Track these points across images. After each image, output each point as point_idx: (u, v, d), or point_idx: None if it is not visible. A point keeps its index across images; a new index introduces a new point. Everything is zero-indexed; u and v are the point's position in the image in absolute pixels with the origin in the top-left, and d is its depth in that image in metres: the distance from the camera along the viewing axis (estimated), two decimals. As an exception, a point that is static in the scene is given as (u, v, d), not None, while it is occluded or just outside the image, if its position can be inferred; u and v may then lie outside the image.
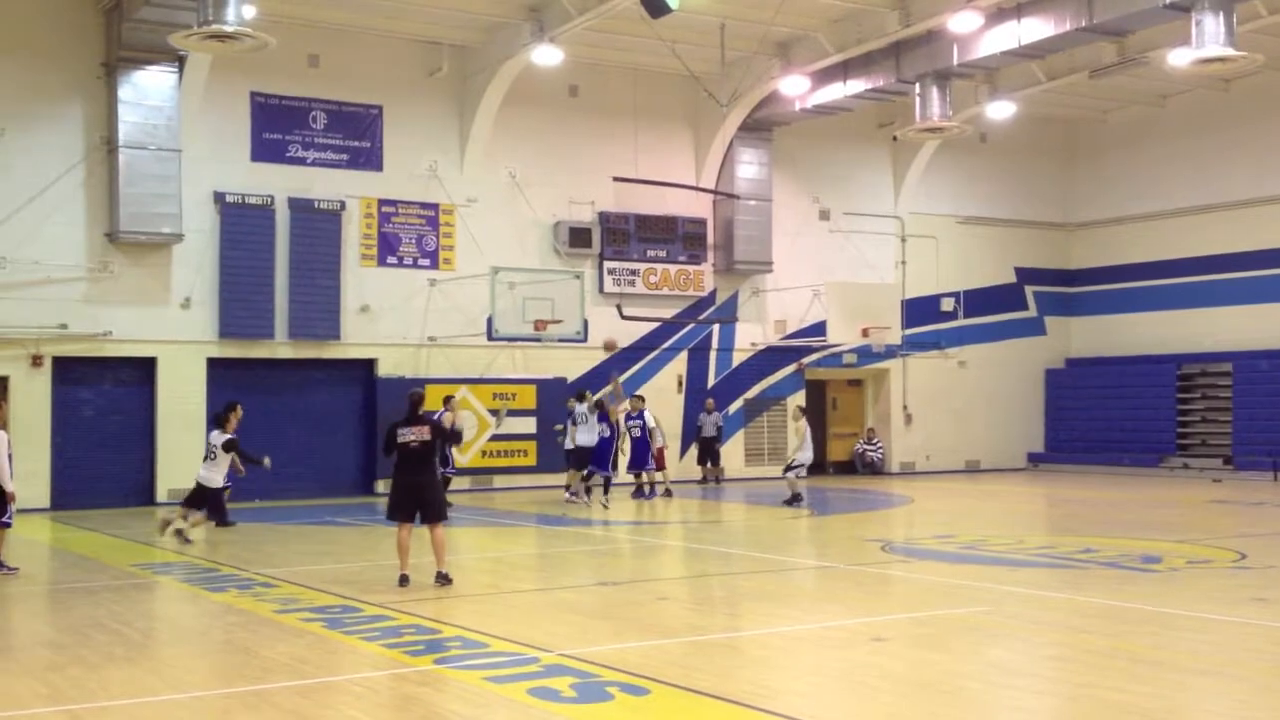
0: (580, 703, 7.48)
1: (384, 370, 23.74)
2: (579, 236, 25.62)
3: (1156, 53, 23.39)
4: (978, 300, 30.90)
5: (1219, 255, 29.10)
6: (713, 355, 27.51)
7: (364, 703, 7.77)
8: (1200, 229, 29.50)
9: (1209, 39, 19.14)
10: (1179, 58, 20.14)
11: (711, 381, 27.28)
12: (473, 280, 24.02)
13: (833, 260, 28.57)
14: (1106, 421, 30.24)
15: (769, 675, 8.65)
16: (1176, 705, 7.76)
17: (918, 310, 29.75)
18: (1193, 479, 26.90)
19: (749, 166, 27.44)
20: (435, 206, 24.46)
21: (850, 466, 29.40)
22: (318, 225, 23.27)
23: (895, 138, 28.75)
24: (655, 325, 26.46)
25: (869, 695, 7.92)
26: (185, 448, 22.04)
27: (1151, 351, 30.31)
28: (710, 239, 27.30)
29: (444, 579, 12.02)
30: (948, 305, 30.45)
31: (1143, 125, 30.64)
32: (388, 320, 23.93)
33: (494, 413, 22.70)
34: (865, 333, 27.45)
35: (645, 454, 22.50)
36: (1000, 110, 27.04)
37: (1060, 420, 31.57)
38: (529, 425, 24.42)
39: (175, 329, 22.18)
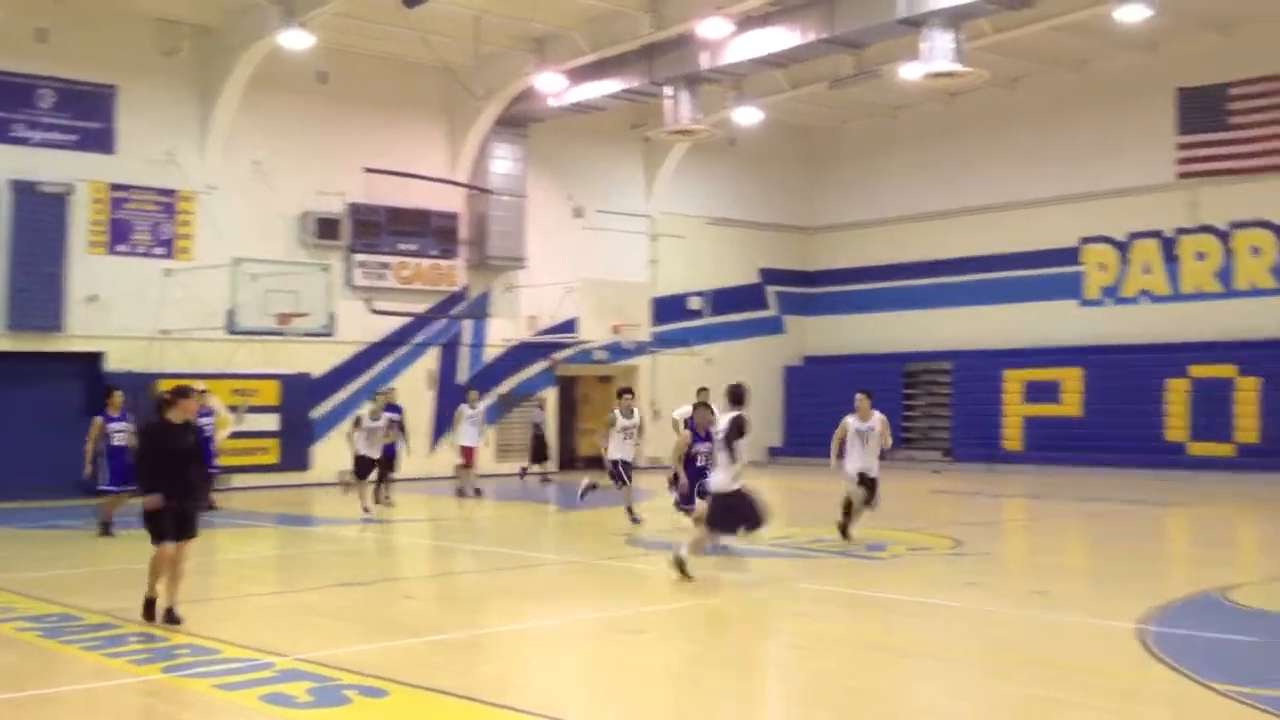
0: (316, 707, 7.28)
1: (113, 364, 22.50)
2: (327, 228, 24.97)
3: (890, 66, 24.57)
4: (724, 299, 31.80)
5: (941, 260, 30.98)
6: (464, 351, 27.33)
7: (84, 715, 7.36)
8: (925, 235, 31.28)
9: (938, 54, 20.25)
10: (910, 71, 21.23)
11: (464, 377, 27.08)
12: (212, 271, 23.09)
13: (585, 257, 28.80)
14: (839, 417, 31.51)
15: (513, 671, 8.65)
16: (905, 688, 8.18)
17: (667, 308, 30.35)
18: (915, 470, 28.37)
19: (503, 162, 27.38)
20: (173, 193, 23.37)
21: (599, 462, 29.64)
22: (42, 209, 21.85)
23: (647, 138, 29.27)
24: (407, 320, 26.08)
25: (613, 688, 8.02)
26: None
27: (880, 350, 31.89)
28: (463, 234, 27.08)
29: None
30: (695, 304, 31.20)
31: (876, 135, 32.18)
32: (118, 311, 22.70)
33: (233, 409, 21.86)
34: (616, 330, 27.77)
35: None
36: (747, 115, 27.83)
37: (798, 416, 32.80)
38: (271, 422, 23.63)
39: (-123, 317, 20.47)
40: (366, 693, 7.59)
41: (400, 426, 20.00)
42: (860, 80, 26.38)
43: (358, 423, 19.00)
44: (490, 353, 27.73)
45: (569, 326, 28.07)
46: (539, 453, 27.23)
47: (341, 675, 7.99)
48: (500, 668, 8.74)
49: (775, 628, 10.27)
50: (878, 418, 15.17)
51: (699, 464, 14.33)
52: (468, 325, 27.34)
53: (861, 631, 9.83)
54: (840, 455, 14.95)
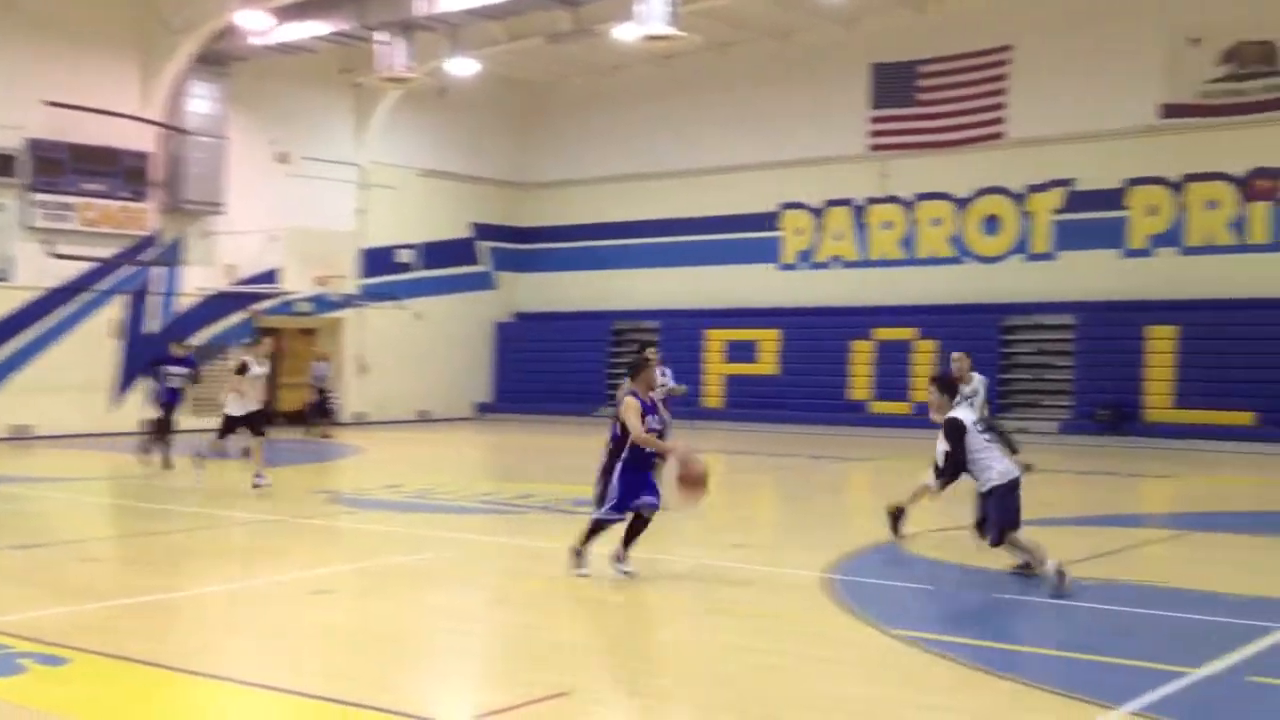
0: (-14, 679, 6.78)
1: None
2: (2, 164, 23.06)
3: (608, 25, 24.74)
4: (434, 253, 31.42)
5: (650, 221, 31.67)
6: (155, 300, 25.89)
7: None
8: (637, 195, 31.84)
9: (653, 17, 20.57)
10: (626, 32, 21.47)
11: (155, 327, 25.66)
12: None
13: (290, 205, 27.74)
14: (549, 373, 31.89)
15: (205, 636, 8.31)
16: (609, 639, 8.34)
17: (376, 260, 29.77)
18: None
19: (202, 101, 26.00)
20: None
21: (302, 417, 28.88)
22: None
23: (358, 84, 28.47)
24: (91, 265, 24.46)
25: (308, 650, 7.81)
26: None
27: (590, 308, 32.31)
28: (156, 175, 25.58)
29: None
30: (405, 257, 30.69)
31: (592, 93, 32.41)
32: None
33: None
34: (320, 281, 26.92)
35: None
36: (462, 66, 27.41)
37: (508, 371, 32.90)
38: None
39: None
40: (44, 661, 7.12)
41: (193, 381, 18.86)
42: (578, 38, 26.47)
43: (243, 370, 15.81)
44: (184, 302, 26.38)
45: (271, 276, 27.08)
46: (322, 410, 26.05)
47: (15, 643, 7.46)
48: (193, 633, 8.38)
49: (480, 584, 10.28)
50: (979, 380, 13.21)
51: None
52: (159, 272, 25.88)
53: (567, 586, 9.96)
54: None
